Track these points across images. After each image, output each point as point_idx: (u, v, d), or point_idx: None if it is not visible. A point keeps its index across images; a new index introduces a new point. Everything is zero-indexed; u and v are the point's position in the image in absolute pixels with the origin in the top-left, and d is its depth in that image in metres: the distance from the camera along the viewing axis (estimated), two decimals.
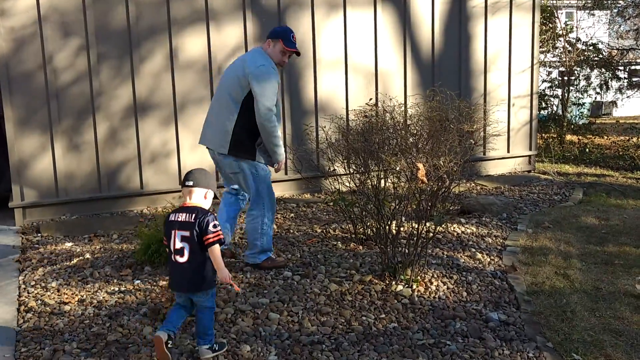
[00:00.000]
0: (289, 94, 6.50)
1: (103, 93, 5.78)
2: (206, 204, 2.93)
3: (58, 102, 5.62)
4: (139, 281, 3.90)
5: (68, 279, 4.00)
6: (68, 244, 4.84)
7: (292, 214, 5.67)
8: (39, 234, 5.20)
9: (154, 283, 3.85)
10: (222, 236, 2.86)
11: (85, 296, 3.68)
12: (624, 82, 12.21)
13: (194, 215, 2.83)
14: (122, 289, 3.79)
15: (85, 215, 5.79)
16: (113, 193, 5.92)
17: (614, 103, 13.68)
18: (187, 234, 2.82)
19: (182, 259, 2.82)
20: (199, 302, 2.88)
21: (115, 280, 3.94)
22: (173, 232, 2.85)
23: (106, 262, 4.29)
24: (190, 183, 2.89)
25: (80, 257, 4.45)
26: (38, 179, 5.65)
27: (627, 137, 10.52)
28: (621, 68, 12.34)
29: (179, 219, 2.86)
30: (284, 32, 4.01)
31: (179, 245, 2.83)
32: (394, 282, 3.76)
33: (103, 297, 3.66)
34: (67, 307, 3.51)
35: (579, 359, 2.90)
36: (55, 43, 5.56)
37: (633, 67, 16.06)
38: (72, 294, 3.74)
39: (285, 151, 4.43)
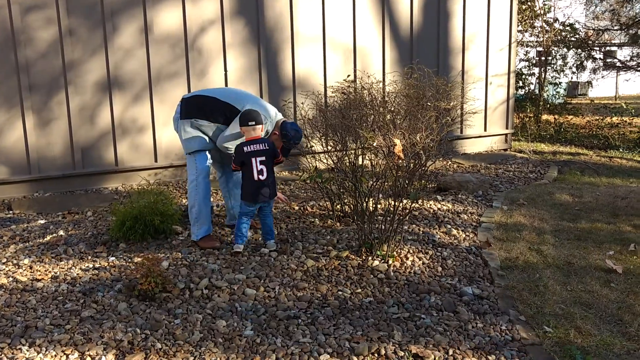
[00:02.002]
0: (266, 68, 6.43)
1: (75, 67, 5.63)
2: (263, 134, 3.92)
3: (29, 75, 5.46)
4: (113, 258, 3.86)
5: (41, 256, 3.94)
6: (41, 221, 4.75)
7: None
8: (11, 211, 5.09)
9: (129, 259, 3.81)
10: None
11: (58, 273, 3.63)
12: (599, 62, 12.35)
13: (265, 144, 3.84)
14: (97, 265, 3.75)
15: (59, 192, 5.69)
16: (87, 170, 5.82)
17: (589, 83, 13.85)
18: (263, 158, 3.80)
19: (263, 177, 3.81)
20: (268, 208, 3.94)
21: (89, 257, 3.89)
22: (253, 159, 3.79)
23: (80, 240, 4.24)
24: (253, 123, 3.80)
25: (54, 234, 4.38)
26: (9, 155, 5.52)
27: (602, 117, 10.68)
28: (597, 49, 12.46)
29: (256, 149, 3.79)
30: (292, 141, 4.07)
31: (260, 167, 3.79)
32: (370, 258, 3.78)
33: (77, 274, 3.61)
34: (39, 284, 3.46)
35: (550, 331, 2.96)
36: (24, 14, 5.38)
37: (608, 48, 16.23)
38: (45, 270, 3.68)
39: None
